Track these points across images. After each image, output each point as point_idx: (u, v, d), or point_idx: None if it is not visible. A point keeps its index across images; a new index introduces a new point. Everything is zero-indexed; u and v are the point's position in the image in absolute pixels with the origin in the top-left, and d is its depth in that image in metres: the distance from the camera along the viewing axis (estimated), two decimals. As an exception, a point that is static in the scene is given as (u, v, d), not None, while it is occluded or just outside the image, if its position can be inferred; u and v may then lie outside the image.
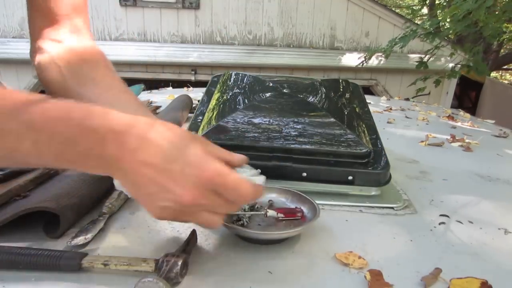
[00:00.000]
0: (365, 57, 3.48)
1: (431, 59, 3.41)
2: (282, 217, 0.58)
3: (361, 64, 3.52)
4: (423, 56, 3.44)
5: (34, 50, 0.67)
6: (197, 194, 0.40)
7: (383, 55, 3.29)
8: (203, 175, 0.40)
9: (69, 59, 0.64)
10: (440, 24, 2.98)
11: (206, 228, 0.56)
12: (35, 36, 0.66)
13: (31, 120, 0.38)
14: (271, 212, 0.58)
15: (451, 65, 3.50)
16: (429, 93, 4.08)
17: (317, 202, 0.60)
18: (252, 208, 0.59)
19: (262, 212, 0.57)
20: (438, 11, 4.27)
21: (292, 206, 0.62)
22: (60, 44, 0.65)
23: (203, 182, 0.40)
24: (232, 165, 0.47)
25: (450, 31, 3.01)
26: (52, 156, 0.39)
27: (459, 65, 3.25)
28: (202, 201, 0.41)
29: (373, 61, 3.77)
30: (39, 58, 0.66)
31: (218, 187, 0.41)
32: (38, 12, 0.65)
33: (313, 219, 0.56)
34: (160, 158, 0.40)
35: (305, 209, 0.60)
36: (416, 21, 4.33)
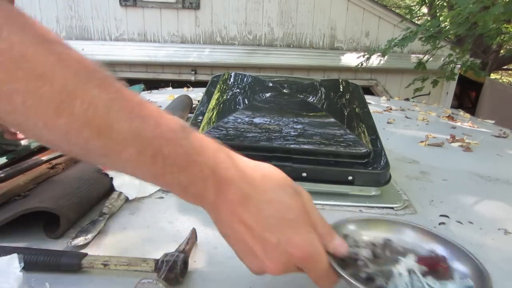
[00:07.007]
0: (364, 55, 3.48)
1: (430, 59, 3.41)
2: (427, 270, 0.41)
3: (360, 65, 3.52)
4: (422, 56, 3.44)
5: None
6: (282, 269, 0.39)
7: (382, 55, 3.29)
8: (295, 255, 0.38)
9: None
10: (440, 25, 2.97)
11: None
12: None
13: (142, 129, 0.34)
14: (409, 264, 0.40)
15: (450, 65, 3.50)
16: (429, 93, 4.08)
17: (317, 202, 0.59)
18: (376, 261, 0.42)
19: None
20: (436, 11, 4.26)
21: (427, 247, 0.44)
22: None
23: (293, 260, 0.39)
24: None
25: (451, 32, 3.01)
26: (151, 173, 0.36)
27: (455, 65, 3.26)
28: (284, 273, 0.40)
29: (373, 61, 3.77)
30: None
31: (304, 268, 0.40)
32: None
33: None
34: (259, 223, 0.38)
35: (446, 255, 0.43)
36: (414, 21, 4.33)
